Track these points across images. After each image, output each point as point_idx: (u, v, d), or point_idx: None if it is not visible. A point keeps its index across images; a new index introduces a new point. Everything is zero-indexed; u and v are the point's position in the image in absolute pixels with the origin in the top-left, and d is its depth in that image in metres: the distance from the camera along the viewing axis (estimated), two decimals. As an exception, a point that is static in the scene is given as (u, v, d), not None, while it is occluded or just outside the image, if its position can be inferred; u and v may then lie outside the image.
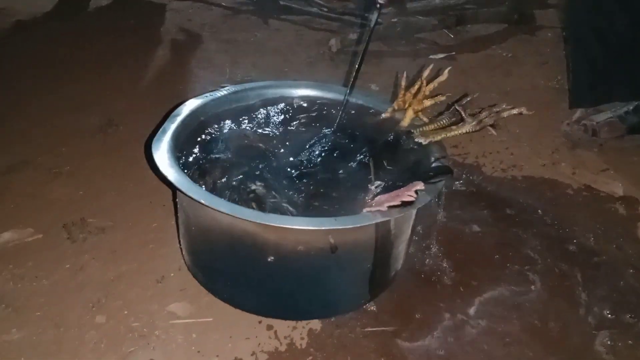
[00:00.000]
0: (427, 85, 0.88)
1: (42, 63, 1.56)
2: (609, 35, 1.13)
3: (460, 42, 1.85)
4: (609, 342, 0.76)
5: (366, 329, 0.75)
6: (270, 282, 0.71)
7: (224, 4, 2.16)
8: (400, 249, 0.78)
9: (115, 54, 1.64)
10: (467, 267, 0.87)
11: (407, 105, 0.88)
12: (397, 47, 1.77)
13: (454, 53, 1.73)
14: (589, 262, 0.89)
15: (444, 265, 0.86)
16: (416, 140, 0.83)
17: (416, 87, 0.89)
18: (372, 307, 0.78)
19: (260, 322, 0.74)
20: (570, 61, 1.23)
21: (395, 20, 1.78)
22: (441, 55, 1.73)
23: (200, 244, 0.76)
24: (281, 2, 2.03)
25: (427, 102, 0.88)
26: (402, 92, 0.90)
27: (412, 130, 0.85)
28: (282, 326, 0.74)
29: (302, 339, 0.73)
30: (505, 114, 0.83)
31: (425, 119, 0.88)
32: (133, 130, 1.20)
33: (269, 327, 0.74)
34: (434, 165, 0.80)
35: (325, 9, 2.06)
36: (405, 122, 0.87)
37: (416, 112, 0.88)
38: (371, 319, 0.76)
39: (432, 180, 0.75)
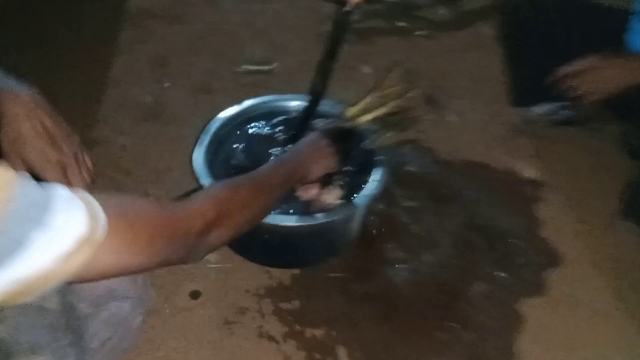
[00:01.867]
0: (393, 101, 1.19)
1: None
2: (543, 41, 1.37)
3: (452, 17, 2.09)
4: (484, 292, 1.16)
5: (329, 275, 1.17)
6: (267, 247, 1.13)
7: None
8: (353, 225, 1.18)
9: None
10: (400, 234, 1.26)
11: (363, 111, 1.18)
12: (395, 24, 2.04)
13: (429, 32, 1.96)
14: (487, 231, 1.27)
15: (384, 232, 1.25)
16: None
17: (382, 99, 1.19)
18: (334, 262, 1.20)
19: (261, 269, 1.17)
20: (507, 63, 1.51)
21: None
22: (426, 32, 1.99)
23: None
24: (297, -29, 2.27)
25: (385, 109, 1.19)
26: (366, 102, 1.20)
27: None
28: (276, 272, 1.17)
29: (287, 279, 1.15)
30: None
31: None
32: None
33: (267, 272, 1.16)
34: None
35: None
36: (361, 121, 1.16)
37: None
38: (333, 268, 1.18)
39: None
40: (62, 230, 0.45)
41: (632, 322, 1.11)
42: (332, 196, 1.08)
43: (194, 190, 0.85)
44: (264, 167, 0.86)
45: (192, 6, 2.09)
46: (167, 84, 1.69)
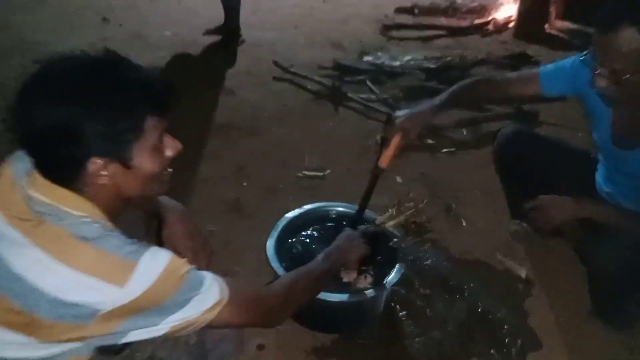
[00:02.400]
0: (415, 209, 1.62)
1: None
2: (530, 165, 1.69)
3: (471, 138, 2.55)
4: None
5: (359, 341, 1.55)
6: (315, 316, 1.53)
7: (309, 87, 2.99)
8: (380, 305, 1.58)
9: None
10: (416, 315, 1.63)
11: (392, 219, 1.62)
12: (425, 142, 2.51)
13: (453, 149, 2.43)
14: (484, 318, 1.63)
15: (403, 312, 1.63)
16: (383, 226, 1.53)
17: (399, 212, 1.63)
18: (365, 332, 1.58)
19: (309, 332, 1.57)
20: (503, 183, 1.86)
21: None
22: (451, 150, 2.45)
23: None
24: (348, 94, 2.82)
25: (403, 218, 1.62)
26: (391, 211, 1.63)
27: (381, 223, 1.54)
28: (320, 335, 1.56)
29: (328, 342, 1.54)
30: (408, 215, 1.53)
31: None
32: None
33: (314, 335, 1.55)
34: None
35: (380, 97, 2.82)
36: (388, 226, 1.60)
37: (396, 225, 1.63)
38: (363, 336, 1.56)
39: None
40: (207, 297, 0.90)
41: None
42: (365, 282, 1.50)
43: (272, 280, 1.30)
44: (316, 260, 1.27)
45: (265, 120, 2.66)
46: (245, 184, 2.19)
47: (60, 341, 0.83)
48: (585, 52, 1.32)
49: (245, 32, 3.58)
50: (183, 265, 0.89)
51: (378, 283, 1.50)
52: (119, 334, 0.85)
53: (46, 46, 3.52)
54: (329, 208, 1.75)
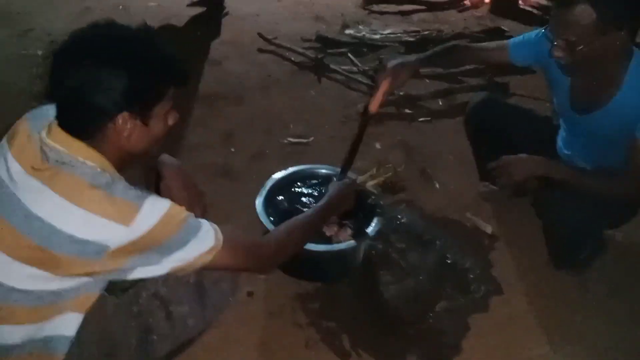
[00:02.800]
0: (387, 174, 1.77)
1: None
2: (497, 130, 1.83)
3: (446, 107, 2.69)
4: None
5: (340, 288, 1.70)
6: (300, 265, 1.67)
7: (292, 58, 3.08)
8: (359, 256, 1.72)
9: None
10: (391, 265, 1.79)
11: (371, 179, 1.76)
12: (402, 111, 2.64)
13: (429, 118, 2.58)
14: (453, 268, 1.79)
15: (380, 262, 1.79)
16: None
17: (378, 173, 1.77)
18: (345, 280, 1.73)
19: (295, 281, 1.71)
20: (473, 148, 2.02)
21: (402, 93, 2.64)
22: (427, 119, 2.59)
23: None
24: (331, 66, 2.92)
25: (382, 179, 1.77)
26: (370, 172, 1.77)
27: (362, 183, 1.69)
28: (304, 283, 1.70)
29: (312, 289, 1.68)
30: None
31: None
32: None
33: (299, 283, 1.70)
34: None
35: (361, 68, 2.94)
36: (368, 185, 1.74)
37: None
38: (343, 284, 1.72)
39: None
40: (203, 242, 1.02)
41: (547, 334, 1.60)
42: (345, 234, 1.64)
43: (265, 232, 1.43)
44: (311, 210, 1.36)
45: (250, 90, 2.76)
46: (232, 150, 2.31)
47: (73, 275, 0.94)
48: (546, 26, 1.46)
49: (228, 4, 3.64)
50: (182, 212, 1.00)
51: (357, 236, 1.65)
52: (125, 271, 0.96)
53: (32, 16, 3.54)
54: (314, 169, 1.88)
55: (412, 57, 1.65)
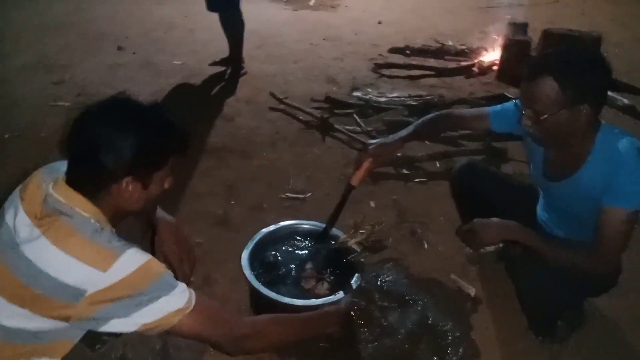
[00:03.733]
0: (372, 230, 1.83)
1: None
2: (479, 194, 1.88)
3: (443, 170, 2.76)
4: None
5: (319, 344, 1.74)
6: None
7: (301, 117, 3.23)
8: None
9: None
10: (372, 323, 1.82)
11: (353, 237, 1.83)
12: (400, 171, 2.72)
13: (425, 179, 2.64)
14: (433, 329, 1.81)
15: (361, 320, 1.82)
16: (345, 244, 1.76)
17: (364, 229, 1.84)
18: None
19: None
20: (458, 211, 2.06)
21: (400, 154, 2.73)
22: (423, 180, 2.66)
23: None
24: (335, 125, 3.06)
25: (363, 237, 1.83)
26: (353, 230, 1.84)
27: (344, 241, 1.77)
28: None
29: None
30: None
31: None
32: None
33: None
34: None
35: (365, 129, 3.06)
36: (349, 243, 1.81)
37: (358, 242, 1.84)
38: (323, 339, 1.75)
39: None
40: (174, 300, 1.06)
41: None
42: (323, 288, 1.69)
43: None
44: (303, 315, 1.39)
45: (258, 145, 2.90)
46: (232, 202, 2.41)
47: (52, 317, 1.01)
48: (516, 98, 1.55)
49: (248, 64, 3.86)
50: (160, 267, 1.07)
51: (337, 290, 1.69)
52: (98, 321, 1.01)
53: (66, 68, 3.83)
54: (301, 225, 1.96)
55: (395, 136, 1.75)
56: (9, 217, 1.08)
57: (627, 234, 1.46)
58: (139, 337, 1.21)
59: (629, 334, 1.82)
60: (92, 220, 1.07)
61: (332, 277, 1.72)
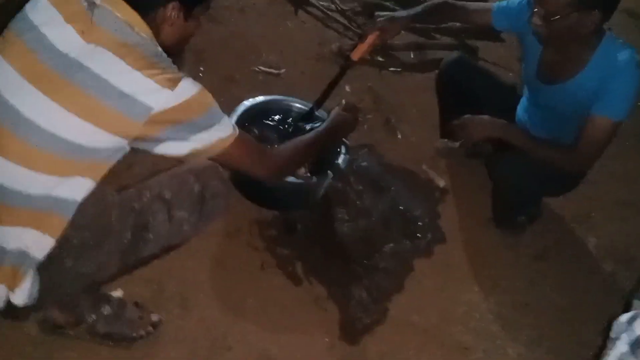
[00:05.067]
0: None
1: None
2: (464, 90, 1.91)
3: (417, 61, 2.72)
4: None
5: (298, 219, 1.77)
6: (262, 194, 1.70)
7: (271, -14, 2.96)
8: (319, 192, 1.78)
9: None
10: (347, 204, 1.86)
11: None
12: (375, 58, 2.64)
13: (400, 69, 2.61)
14: (403, 215, 1.89)
15: (337, 200, 1.86)
16: None
17: None
18: (303, 212, 1.79)
19: (255, 207, 1.74)
20: (439, 106, 2.12)
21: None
22: (398, 69, 2.62)
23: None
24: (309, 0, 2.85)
25: None
26: None
27: None
28: (264, 210, 1.74)
29: (270, 216, 1.73)
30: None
31: None
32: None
33: (259, 209, 1.73)
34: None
35: (339, 7, 2.88)
36: None
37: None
38: (301, 216, 1.77)
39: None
40: (224, 129, 1.08)
41: (479, 283, 1.75)
42: (301, 170, 1.68)
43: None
44: (317, 131, 1.43)
45: (226, 10, 2.65)
46: (202, 69, 2.24)
47: (113, 132, 0.97)
48: None
49: None
50: (211, 97, 1.06)
51: (322, 170, 1.69)
52: (156, 141, 1.01)
53: None
54: (286, 101, 1.88)
55: (403, 13, 1.68)
56: (47, 30, 0.96)
57: (606, 143, 1.56)
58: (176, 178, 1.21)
59: (578, 227, 2.03)
60: (152, 43, 1.02)
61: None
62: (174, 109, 0.98)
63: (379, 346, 1.51)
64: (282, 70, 2.37)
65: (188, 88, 0.99)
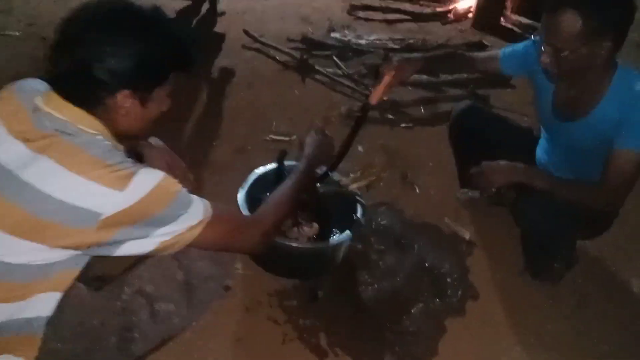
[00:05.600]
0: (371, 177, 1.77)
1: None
2: (478, 137, 1.86)
3: (428, 115, 2.71)
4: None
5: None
6: (278, 263, 1.64)
7: (277, 58, 3.05)
8: (339, 255, 1.71)
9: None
10: (370, 266, 1.78)
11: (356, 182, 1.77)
12: (385, 116, 2.65)
13: (411, 124, 2.59)
14: (430, 272, 1.79)
15: (359, 263, 1.78)
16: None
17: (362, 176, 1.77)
18: (324, 279, 1.71)
19: (273, 277, 1.68)
20: (455, 155, 2.05)
21: (386, 99, 2.64)
22: (409, 125, 2.60)
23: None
24: (316, 67, 2.91)
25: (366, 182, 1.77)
26: (360, 174, 1.78)
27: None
28: (283, 280, 1.67)
29: (290, 286, 1.66)
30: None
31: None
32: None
33: (277, 279, 1.67)
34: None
35: (346, 72, 2.93)
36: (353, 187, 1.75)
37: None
38: (322, 283, 1.70)
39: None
40: (193, 215, 0.97)
41: (520, 339, 1.61)
42: (312, 230, 1.62)
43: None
44: (294, 175, 1.31)
45: (234, 86, 2.72)
46: (214, 143, 2.26)
47: (63, 246, 0.89)
48: (535, 33, 1.49)
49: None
50: (175, 184, 0.97)
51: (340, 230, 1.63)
52: (114, 244, 0.92)
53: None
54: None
55: (417, 55, 1.71)
56: None
57: (633, 176, 1.47)
58: (157, 269, 1.09)
59: (619, 269, 1.89)
60: (101, 137, 0.94)
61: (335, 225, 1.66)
62: (127, 211, 0.89)
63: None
64: (294, 137, 2.37)
65: (143, 183, 0.90)
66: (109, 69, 0.91)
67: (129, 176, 0.89)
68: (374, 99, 1.58)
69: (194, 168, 2.07)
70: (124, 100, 0.95)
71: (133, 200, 0.89)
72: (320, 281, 1.69)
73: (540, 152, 1.80)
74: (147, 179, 0.91)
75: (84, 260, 0.97)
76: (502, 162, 1.62)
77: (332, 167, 1.66)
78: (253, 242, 1.11)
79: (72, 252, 0.91)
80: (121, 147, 0.98)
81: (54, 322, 0.95)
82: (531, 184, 1.57)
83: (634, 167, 1.45)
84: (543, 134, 1.77)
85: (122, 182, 0.88)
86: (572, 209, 1.53)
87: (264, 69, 2.92)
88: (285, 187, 1.26)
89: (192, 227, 0.97)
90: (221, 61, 2.94)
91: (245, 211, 1.59)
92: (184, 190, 0.98)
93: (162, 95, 1.01)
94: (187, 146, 2.23)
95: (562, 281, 1.79)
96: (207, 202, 1.02)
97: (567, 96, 1.56)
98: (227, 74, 2.82)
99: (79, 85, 0.93)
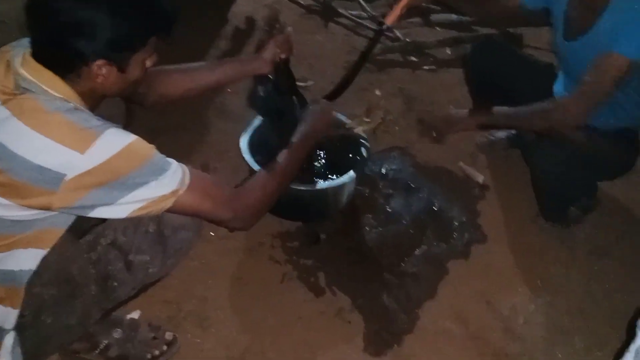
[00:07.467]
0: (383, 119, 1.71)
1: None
2: (495, 75, 1.76)
3: (454, 57, 2.57)
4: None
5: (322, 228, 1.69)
6: (282, 205, 1.64)
7: (301, 1, 2.98)
8: (343, 198, 1.70)
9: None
10: (376, 209, 1.76)
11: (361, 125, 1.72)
12: (408, 58, 2.54)
13: (434, 67, 2.47)
14: (437, 216, 1.75)
15: (364, 206, 1.76)
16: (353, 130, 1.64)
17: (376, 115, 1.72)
18: (327, 221, 1.71)
19: (276, 219, 1.70)
20: (472, 98, 1.95)
21: (409, 40, 2.53)
22: (432, 67, 2.49)
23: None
24: (339, 10, 2.82)
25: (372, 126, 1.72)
26: (364, 116, 1.73)
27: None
28: (286, 222, 1.69)
29: (293, 228, 1.67)
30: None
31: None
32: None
33: (280, 221, 1.68)
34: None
35: (370, 14, 2.82)
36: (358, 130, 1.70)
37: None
38: (325, 225, 1.70)
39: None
40: (168, 182, 0.94)
41: (526, 284, 1.57)
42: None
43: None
44: (291, 147, 1.24)
45: (256, 32, 2.69)
46: (229, 90, 2.27)
47: (31, 206, 0.92)
48: None
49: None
50: (149, 149, 0.95)
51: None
52: (85, 207, 0.92)
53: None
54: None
55: None
56: None
57: (612, 81, 1.39)
58: (130, 221, 1.09)
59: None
60: (65, 99, 0.94)
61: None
62: (89, 173, 0.88)
63: (408, 358, 1.39)
64: (310, 83, 2.34)
65: (105, 147, 0.89)
66: (82, 40, 0.91)
67: (92, 137, 0.89)
68: (390, 19, 1.51)
69: (207, 117, 2.12)
70: (100, 69, 0.94)
71: (95, 163, 0.89)
72: (323, 224, 1.70)
73: (558, 87, 1.69)
74: (113, 141, 0.91)
75: (67, 220, 1.00)
76: (449, 113, 1.69)
77: (333, 96, 1.60)
78: (233, 217, 1.07)
79: (45, 212, 0.93)
80: (86, 109, 0.97)
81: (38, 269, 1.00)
82: (492, 125, 1.54)
83: (616, 71, 1.37)
84: (559, 67, 1.66)
85: (83, 143, 0.88)
86: (586, 150, 1.44)
87: (286, 15, 2.85)
88: (281, 158, 1.22)
89: (164, 196, 0.95)
90: (241, 9, 2.89)
91: (247, 155, 1.61)
92: (160, 156, 0.97)
93: (142, 59, 1.00)
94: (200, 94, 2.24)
95: (577, 225, 1.70)
96: (186, 170, 1.00)
97: (574, 14, 1.49)
98: (247, 20, 2.79)
99: (52, 54, 0.94)
